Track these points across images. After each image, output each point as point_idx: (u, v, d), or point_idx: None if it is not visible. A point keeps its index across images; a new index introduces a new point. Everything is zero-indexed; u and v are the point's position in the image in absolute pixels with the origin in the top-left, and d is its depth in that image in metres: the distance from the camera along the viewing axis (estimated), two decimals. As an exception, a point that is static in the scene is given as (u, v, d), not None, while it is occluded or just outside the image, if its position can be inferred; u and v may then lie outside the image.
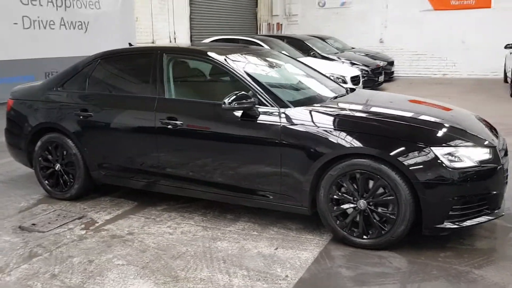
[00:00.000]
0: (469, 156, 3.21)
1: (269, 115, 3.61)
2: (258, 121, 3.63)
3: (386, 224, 3.30)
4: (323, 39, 14.17)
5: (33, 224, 4.09)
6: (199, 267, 3.24)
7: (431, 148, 3.17)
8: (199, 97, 4.12)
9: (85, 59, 4.70)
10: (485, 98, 10.80)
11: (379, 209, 3.30)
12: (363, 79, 11.01)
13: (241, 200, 3.88)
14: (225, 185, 3.84)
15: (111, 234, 3.84)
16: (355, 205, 3.37)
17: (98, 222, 4.11)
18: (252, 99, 3.61)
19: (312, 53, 12.64)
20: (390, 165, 3.21)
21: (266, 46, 10.77)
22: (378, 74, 12.60)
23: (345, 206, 3.41)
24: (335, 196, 3.43)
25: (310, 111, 3.60)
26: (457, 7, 15.05)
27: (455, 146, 3.23)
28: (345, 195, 3.40)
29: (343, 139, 3.35)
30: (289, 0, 17.41)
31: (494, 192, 3.28)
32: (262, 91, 3.70)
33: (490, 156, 3.28)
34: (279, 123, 3.55)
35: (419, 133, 3.34)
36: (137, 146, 4.17)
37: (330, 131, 3.40)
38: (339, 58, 12.62)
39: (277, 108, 3.61)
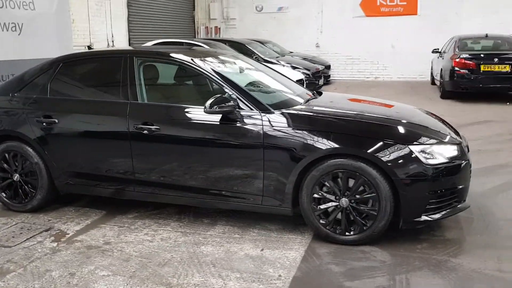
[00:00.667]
0: (441, 153, 3.45)
1: (250, 119, 3.64)
2: (238, 125, 3.65)
3: (367, 220, 3.45)
4: (262, 43, 14.37)
5: (-4, 239, 3.83)
6: (189, 273, 3.20)
7: (409, 146, 3.37)
8: (174, 101, 4.06)
9: (43, 63, 4.48)
10: (417, 99, 11.49)
11: (361, 206, 3.45)
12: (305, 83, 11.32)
13: (221, 204, 3.88)
14: (204, 189, 3.83)
15: (87, 245, 3.69)
16: (337, 204, 3.49)
17: (68, 234, 3.93)
18: (232, 103, 3.63)
19: (254, 57, 12.78)
20: (371, 163, 3.37)
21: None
22: (318, 78, 13.00)
23: (327, 205, 3.53)
24: (317, 196, 3.53)
25: (291, 114, 3.68)
26: (387, 14, 15.90)
27: (429, 144, 3.46)
28: (327, 194, 3.52)
29: (326, 140, 3.46)
30: (226, 4, 17.49)
31: (462, 186, 3.55)
32: (241, 95, 3.73)
33: (458, 153, 3.54)
34: (261, 126, 3.59)
35: (398, 132, 3.53)
36: (108, 152, 4.04)
37: (313, 132, 3.50)
38: (279, 62, 12.86)
39: (258, 111, 3.66)
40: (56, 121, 4.12)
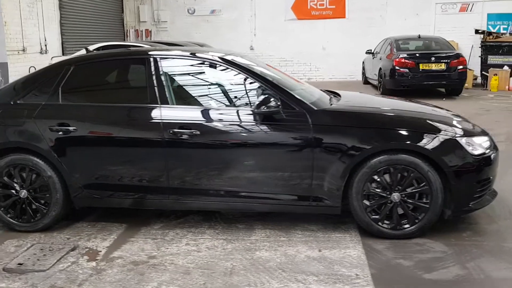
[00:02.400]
0: (480, 144, 3.67)
1: (296, 118, 3.60)
2: (285, 125, 3.60)
3: (418, 213, 3.57)
4: (200, 45, 14.19)
5: (20, 264, 3.40)
6: (263, 280, 3.09)
7: (457, 138, 3.55)
8: (208, 103, 3.87)
9: (47, 67, 4.08)
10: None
11: (413, 200, 3.56)
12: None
13: (268, 207, 3.80)
14: (248, 193, 3.71)
15: (130, 261, 3.41)
16: (389, 199, 3.58)
17: (100, 251, 3.60)
18: (277, 102, 3.57)
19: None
20: (422, 157, 3.49)
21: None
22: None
23: (378, 201, 3.59)
24: (369, 192, 3.59)
25: (336, 112, 3.71)
26: (317, 17, 16.46)
27: (471, 136, 3.66)
28: (378, 190, 3.58)
29: (378, 136, 3.53)
30: (157, 6, 16.99)
31: (494, 175, 3.80)
32: (283, 94, 3.68)
33: (491, 143, 3.79)
34: (309, 125, 3.57)
35: (445, 126, 3.68)
36: (138, 160, 3.76)
37: (364, 129, 3.55)
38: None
39: (303, 110, 3.63)
40: (76, 129, 3.75)
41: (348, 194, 3.61)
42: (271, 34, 16.46)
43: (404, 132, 3.57)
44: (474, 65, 14.28)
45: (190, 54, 4.06)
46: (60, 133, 3.76)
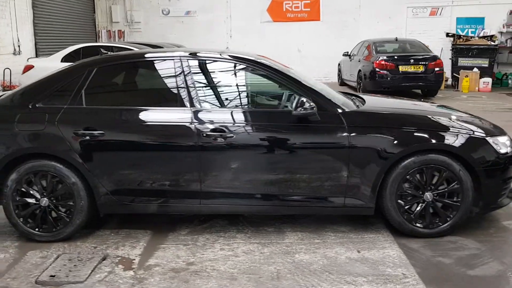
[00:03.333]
0: (503, 143, 3.79)
1: (330, 119, 3.61)
2: (320, 126, 3.60)
3: (450, 211, 3.65)
4: (177, 47, 14.01)
5: (52, 276, 3.24)
6: (314, 283, 3.07)
7: (486, 138, 3.65)
8: (247, 105, 3.82)
9: (66, 69, 3.91)
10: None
11: (444, 199, 3.63)
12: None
13: (301, 209, 3.80)
14: (283, 196, 3.68)
15: (169, 269, 3.31)
16: (422, 198, 3.64)
17: (134, 259, 3.48)
18: (313, 104, 3.57)
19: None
20: (455, 156, 3.57)
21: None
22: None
23: (412, 200, 3.65)
24: (402, 192, 3.63)
25: (369, 113, 3.74)
26: (292, 19, 16.58)
27: (496, 135, 3.77)
28: (412, 190, 3.63)
29: (413, 137, 3.59)
30: (130, 6, 16.64)
31: (512, 174, 3.94)
32: (315, 95, 3.68)
33: (511, 143, 3.92)
34: (344, 126, 3.58)
35: (475, 126, 3.77)
36: (171, 164, 3.66)
37: (398, 130, 3.60)
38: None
39: (336, 112, 3.64)
40: (102, 133, 3.61)
41: (382, 194, 3.65)
42: (247, 36, 16.44)
43: (438, 133, 3.64)
44: (444, 67, 14.74)
45: (222, 55, 3.98)
46: (87, 137, 3.60)
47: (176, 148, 3.66)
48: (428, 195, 3.62)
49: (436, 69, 11.74)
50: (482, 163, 3.58)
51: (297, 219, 4.08)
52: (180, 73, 3.71)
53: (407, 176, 3.60)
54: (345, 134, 3.57)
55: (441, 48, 15.54)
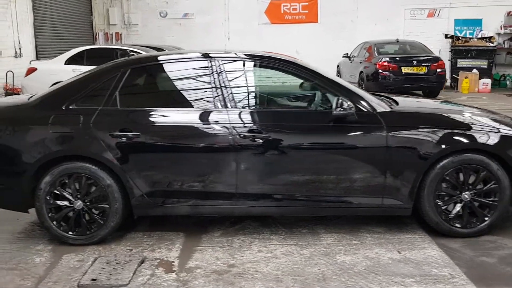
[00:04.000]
0: None
1: (368, 119, 3.59)
2: (359, 126, 3.59)
3: (488, 211, 3.65)
4: (177, 49, 13.94)
5: (94, 280, 3.17)
6: (362, 284, 3.04)
7: (520, 138, 3.68)
8: (284, 106, 3.80)
9: (99, 70, 3.85)
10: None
11: (482, 198, 3.63)
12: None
13: (339, 210, 3.78)
14: (320, 197, 3.66)
15: (212, 271, 3.27)
16: (460, 198, 3.64)
17: (173, 261, 3.43)
18: (351, 104, 3.56)
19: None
20: (492, 155, 3.58)
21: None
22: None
23: (450, 200, 3.65)
24: (440, 192, 3.63)
25: (406, 113, 3.74)
26: (290, 21, 16.59)
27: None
28: (450, 190, 3.63)
29: (452, 137, 3.59)
30: (127, 9, 16.52)
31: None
32: (353, 96, 3.66)
33: None
34: (382, 126, 3.57)
35: (508, 126, 3.79)
36: (208, 165, 3.61)
37: (437, 130, 3.60)
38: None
39: (373, 112, 3.63)
40: (138, 134, 3.56)
41: (420, 194, 3.64)
42: (245, 38, 16.39)
43: (476, 133, 3.64)
44: (443, 68, 14.89)
45: (256, 56, 3.96)
46: (123, 139, 3.55)
47: (212, 149, 3.62)
48: (466, 195, 3.62)
49: (438, 70, 11.84)
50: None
51: (330, 220, 4.06)
52: (214, 74, 3.68)
53: (445, 176, 3.60)
54: (383, 134, 3.56)
55: (439, 49, 15.63)
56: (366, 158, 3.60)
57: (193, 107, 3.74)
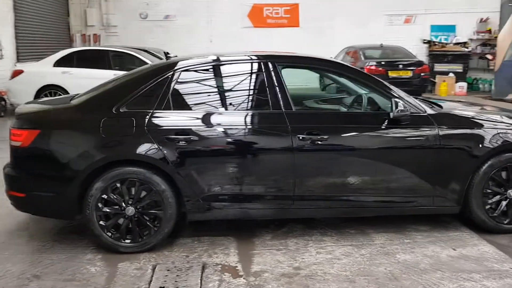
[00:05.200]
0: None
1: (422, 121, 3.67)
2: (414, 127, 3.66)
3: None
4: (165, 52, 13.73)
5: None
6: (435, 281, 3.10)
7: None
8: (338, 107, 3.82)
9: (148, 71, 3.77)
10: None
11: (527, 195, 3.79)
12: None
13: (393, 210, 3.83)
14: (376, 197, 3.71)
15: (280, 274, 3.24)
16: (506, 195, 3.77)
17: (236, 266, 3.38)
18: (405, 106, 3.63)
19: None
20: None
21: (144, 58, 9.98)
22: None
23: (497, 198, 3.77)
24: (488, 190, 3.75)
25: (456, 115, 3.85)
26: (273, 25, 16.70)
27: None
28: (495, 188, 3.76)
29: (498, 136, 3.72)
30: (106, 10, 16.15)
31: None
32: (402, 98, 3.74)
33: None
34: (435, 128, 3.66)
35: None
36: (266, 168, 3.59)
37: (484, 131, 3.72)
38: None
39: (425, 114, 3.71)
40: (195, 137, 3.49)
41: (468, 193, 3.74)
42: (228, 41, 16.34)
43: (517, 132, 3.80)
44: (421, 72, 15.33)
45: (310, 59, 3.98)
46: (182, 142, 3.47)
47: (270, 151, 3.60)
48: (511, 192, 3.76)
49: (422, 74, 12.19)
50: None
51: (374, 220, 4.09)
52: (269, 76, 3.66)
53: (492, 175, 3.73)
54: (436, 134, 3.65)
55: (415, 54, 16.13)
56: (420, 159, 3.68)
57: (248, 109, 3.71)
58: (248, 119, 3.64)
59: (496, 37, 14.45)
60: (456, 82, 14.62)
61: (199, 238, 3.85)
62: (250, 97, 3.80)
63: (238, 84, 3.83)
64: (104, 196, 3.48)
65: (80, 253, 3.60)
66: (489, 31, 15.75)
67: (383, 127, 3.65)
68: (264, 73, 3.68)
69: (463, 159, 3.68)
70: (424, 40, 15.50)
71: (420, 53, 15.79)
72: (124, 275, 3.27)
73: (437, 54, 14.92)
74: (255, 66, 3.76)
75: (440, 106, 3.99)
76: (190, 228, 4.02)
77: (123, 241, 3.55)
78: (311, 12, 16.56)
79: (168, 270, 3.33)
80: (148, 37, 16.13)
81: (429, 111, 3.76)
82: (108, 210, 3.51)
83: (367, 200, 3.73)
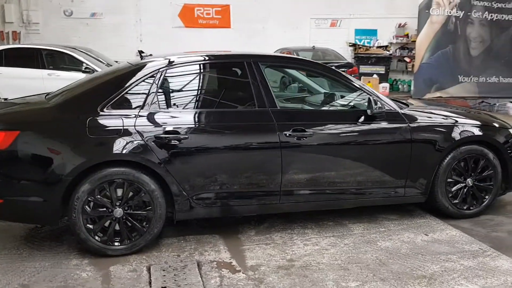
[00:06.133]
0: None
1: (394, 117, 3.96)
2: (388, 123, 3.93)
3: (484, 194, 4.24)
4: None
5: None
6: (420, 264, 3.37)
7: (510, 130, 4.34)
8: (322, 106, 3.97)
9: (127, 71, 3.70)
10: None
11: (480, 183, 4.20)
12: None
13: (368, 201, 4.06)
14: (353, 190, 3.93)
15: (276, 267, 3.35)
16: (465, 184, 4.17)
17: (231, 262, 3.43)
18: (380, 103, 3.89)
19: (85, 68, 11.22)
20: (490, 146, 4.17)
21: (80, 57, 9.55)
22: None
23: (458, 186, 4.16)
24: (450, 180, 4.13)
25: (424, 112, 4.18)
26: (204, 26, 16.66)
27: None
28: (456, 177, 4.15)
29: (461, 131, 4.11)
30: (26, 6, 15.12)
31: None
32: (377, 96, 4.00)
33: None
34: (406, 124, 3.96)
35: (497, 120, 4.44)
36: (254, 165, 3.66)
37: (449, 126, 4.10)
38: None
39: (397, 111, 4.00)
40: (187, 137, 3.48)
41: (434, 182, 4.09)
42: (158, 41, 16.05)
43: (478, 127, 4.22)
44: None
45: (296, 60, 4.12)
46: (173, 141, 3.45)
47: (260, 148, 3.68)
48: (469, 181, 4.17)
49: (352, 75, 12.84)
50: (510, 149, 4.25)
51: (348, 212, 4.32)
52: (252, 76, 3.74)
53: (454, 165, 4.11)
54: (408, 129, 3.95)
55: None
56: (395, 152, 3.97)
57: (237, 108, 3.77)
58: (236, 116, 3.70)
59: (413, 41, 15.61)
60: (380, 83, 15.57)
61: (184, 237, 3.84)
62: (236, 95, 3.86)
63: (223, 83, 3.88)
64: (91, 198, 3.37)
65: (63, 259, 3.45)
66: (407, 35, 16.95)
67: (361, 123, 3.88)
68: (248, 73, 3.74)
69: (430, 152, 4.02)
70: (350, 43, 16.32)
71: (346, 56, 16.59)
72: (119, 278, 3.19)
73: (362, 56, 15.79)
74: (238, 66, 3.82)
75: (407, 105, 4.33)
76: (173, 228, 3.99)
77: (111, 244, 3.45)
78: (243, 14, 16.77)
79: (163, 270, 3.30)
80: (72, 35, 15.40)
81: (402, 109, 4.07)
82: (95, 213, 3.40)
83: (347, 193, 3.94)
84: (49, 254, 3.52)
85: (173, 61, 3.71)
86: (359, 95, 4.01)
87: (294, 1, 16.86)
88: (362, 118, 3.88)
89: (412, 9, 16.13)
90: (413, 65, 15.63)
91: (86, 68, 9.17)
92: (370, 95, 3.92)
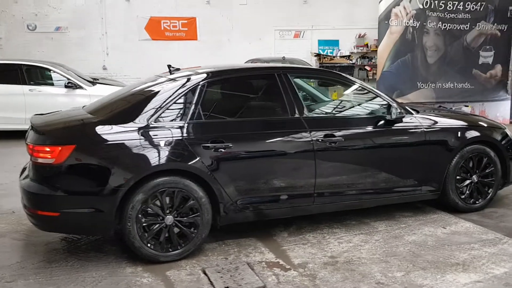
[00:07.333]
0: None
1: (411, 121, 4.34)
2: (406, 127, 4.30)
3: (488, 188, 4.68)
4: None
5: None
6: (450, 253, 3.71)
7: (505, 130, 4.82)
8: (348, 113, 4.28)
9: (173, 83, 3.84)
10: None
11: (485, 179, 4.65)
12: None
13: (388, 200, 4.39)
14: (383, 189, 4.27)
15: (322, 263, 3.60)
16: (471, 180, 4.60)
17: (279, 262, 3.65)
18: (399, 109, 4.26)
19: (68, 83, 11.07)
20: (490, 145, 4.62)
21: (61, 72, 9.41)
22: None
23: (466, 182, 4.58)
24: (458, 177, 4.54)
25: (434, 116, 4.59)
26: (171, 38, 16.68)
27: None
28: (464, 174, 4.58)
29: (468, 132, 4.55)
30: (-13, 20, 14.67)
31: None
32: (393, 102, 4.37)
33: None
34: (421, 126, 4.35)
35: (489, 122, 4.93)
36: (293, 169, 3.91)
37: (458, 128, 4.54)
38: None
39: (412, 115, 4.38)
40: (230, 145, 3.68)
41: (445, 180, 4.49)
42: (125, 54, 15.96)
43: (481, 128, 4.68)
44: (313, 82, 16.69)
45: (319, 70, 4.40)
46: (220, 150, 3.63)
47: (295, 153, 3.93)
48: (474, 177, 4.61)
49: (322, 84, 13.36)
50: (509, 149, 4.73)
51: (365, 211, 4.63)
52: (284, 86, 4.00)
53: (462, 164, 4.53)
54: (423, 132, 4.34)
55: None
56: (415, 153, 4.35)
57: (274, 116, 4.02)
58: (274, 125, 3.95)
59: (373, 50, 16.42)
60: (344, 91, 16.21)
61: (224, 242, 4.01)
62: (273, 105, 4.10)
63: (260, 92, 4.12)
64: (145, 207, 3.49)
65: (116, 268, 3.54)
66: (366, 45, 17.77)
67: (384, 128, 4.23)
68: (279, 84, 4.00)
69: (443, 151, 4.43)
70: (314, 53, 16.90)
71: (312, 65, 17.19)
72: (181, 281, 3.33)
73: (327, 65, 16.36)
74: (270, 77, 4.07)
75: (417, 111, 4.73)
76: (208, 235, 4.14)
77: (164, 251, 3.58)
78: (209, 26, 16.95)
79: (218, 272, 3.47)
80: (36, 50, 15.04)
81: (415, 113, 4.46)
82: (149, 221, 3.52)
83: (369, 193, 4.25)
84: (100, 264, 3.60)
85: (213, 75, 3.91)
86: (377, 101, 4.36)
87: (258, 13, 17.28)
88: (384, 123, 4.23)
89: (370, 20, 16.96)
90: (373, 74, 16.44)
91: (69, 83, 9.07)
92: (390, 102, 4.28)
